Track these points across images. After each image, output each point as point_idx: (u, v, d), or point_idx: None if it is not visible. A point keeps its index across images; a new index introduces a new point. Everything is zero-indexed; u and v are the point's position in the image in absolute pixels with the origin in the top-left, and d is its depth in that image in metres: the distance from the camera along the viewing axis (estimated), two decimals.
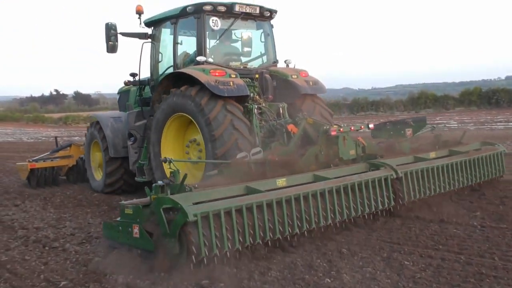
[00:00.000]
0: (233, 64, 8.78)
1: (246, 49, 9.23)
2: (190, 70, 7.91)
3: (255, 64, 9.20)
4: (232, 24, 8.68)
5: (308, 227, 5.54)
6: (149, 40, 9.34)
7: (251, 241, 5.04)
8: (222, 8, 8.44)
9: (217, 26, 8.49)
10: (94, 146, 10.46)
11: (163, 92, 8.40)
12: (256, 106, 7.99)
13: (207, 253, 4.65)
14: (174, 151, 8.32)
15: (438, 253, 5.23)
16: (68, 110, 69.89)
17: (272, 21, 9.36)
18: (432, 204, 7.19)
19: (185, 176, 5.10)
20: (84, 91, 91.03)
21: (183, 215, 4.60)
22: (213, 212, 4.77)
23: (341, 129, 7.11)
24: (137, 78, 9.65)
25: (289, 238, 5.47)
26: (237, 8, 8.54)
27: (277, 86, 8.90)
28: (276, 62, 9.38)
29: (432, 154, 7.53)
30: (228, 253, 4.82)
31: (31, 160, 11.56)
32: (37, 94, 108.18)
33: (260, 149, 7.10)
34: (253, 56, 9.26)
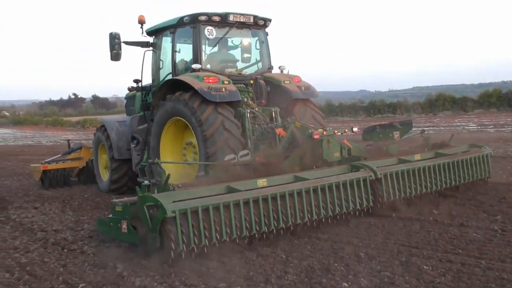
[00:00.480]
0: (229, 70, 9.20)
1: (241, 56, 9.67)
2: (185, 77, 8.35)
3: (250, 70, 9.58)
4: (227, 33, 9.12)
5: (284, 224, 5.87)
6: (151, 48, 9.78)
7: (228, 237, 5.41)
8: (217, 18, 8.88)
9: (212, 35, 8.93)
10: (101, 148, 10.91)
11: (162, 97, 8.78)
12: (249, 110, 8.36)
13: (184, 248, 5.07)
14: (172, 153, 8.74)
15: (458, 257, 5.15)
16: (86, 113, 70.68)
17: (267, 29, 9.72)
18: (452, 208, 7.10)
19: (168, 176, 5.51)
20: (101, 94, 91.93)
21: (162, 211, 5.04)
22: (191, 209, 5.17)
23: (324, 133, 7.45)
24: (140, 84, 10.10)
25: (264, 236, 5.80)
26: (231, 18, 8.98)
27: (270, 91, 9.30)
28: (271, 68, 9.77)
29: (417, 156, 7.73)
30: (206, 248, 5.22)
31: (43, 162, 12.11)
32: (56, 97, 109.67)
33: (248, 152, 7.53)
34: (248, 62, 9.68)
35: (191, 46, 8.98)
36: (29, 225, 7.70)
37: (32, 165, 12.68)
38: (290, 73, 9.74)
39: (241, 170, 6.90)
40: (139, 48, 9.79)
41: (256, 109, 8.73)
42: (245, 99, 8.70)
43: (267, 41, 9.72)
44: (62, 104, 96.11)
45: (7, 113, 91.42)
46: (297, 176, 6.47)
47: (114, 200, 5.90)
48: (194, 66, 8.65)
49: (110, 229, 5.78)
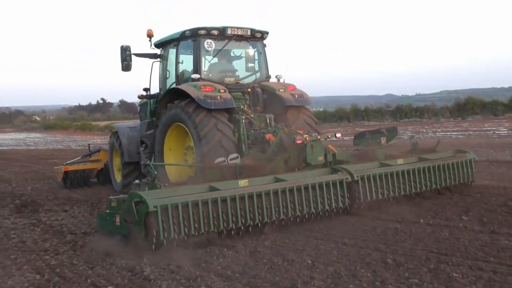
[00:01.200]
0: (228, 80, 10.06)
1: (240, 66, 10.53)
2: (184, 86, 9.17)
3: (248, 79, 10.39)
4: (225, 45, 9.93)
5: (260, 220, 6.49)
6: (159, 59, 10.65)
7: (206, 230, 6.08)
8: (215, 32, 9.73)
9: (212, 47, 9.81)
10: (115, 152, 11.81)
11: (165, 105, 9.61)
12: (244, 117, 9.06)
13: (165, 237, 5.77)
14: (175, 156, 9.51)
15: (489, 265, 5.01)
16: (113, 118, 71.88)
17: (265, 41, 10.49)
18: (483, 214, 6.94)
19: (155, 176, 6.32)
20: (129, 99, 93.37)
21: (145, 206, 5.77)
22: (172, 205, 5.85)
23: (307, 138, 8.00)
24: (149, 92, 10.84)
25: (242, 228, 6.37)
26: (229, 31, 9.81)
27: (266, 99, 10.02)
28: (268, 77, 10.50)
29: (400, 161, 8.28)
30: (186, 237, 5.88)
31: (65, 164, 13.20)
32: (84, 102, 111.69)
33: (238, 155, 8.12)
34: (246, 72, 10.51)
35: (192, 57, 9.81)
36: (59, 228, 7.86)
37: (55, 167, 13.65)
38: (286, 81, 10.42)
39: (228, 172, 7.50)
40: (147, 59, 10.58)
41: (251, 115, 9.48)
42: (241, 106, 9.37)
43: (265, 52, 10.50)
44: (91, 109, 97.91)
45: (38, 118, 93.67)
46: (277, 177, 7.04)
47: (111, 197, 6.60)
48: (194, 76, 9.48)
49: (107, 223, 6.44)
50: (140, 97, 11.25)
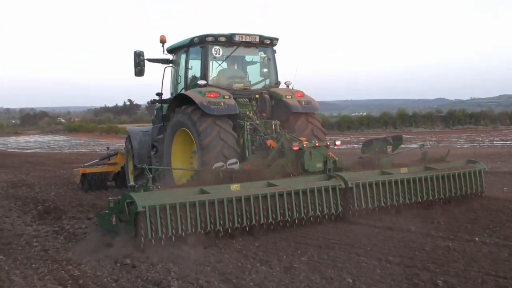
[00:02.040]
0: (236, 86, 10.83)
1: (249, 72, 11.36)
2: (190, 92, 10.04)
3: (257, 85, 11.17)
4: (233, 51, 10.71)
5: (248, 223, 7.16)
6: (171, 65, 11.57)
7: (193, 230, 6.80)
8: (223, 39, 10.55)
9: (219, 54, 10.64)
10: (129, 155, 12.67)
11: (173, 110, 10.42)
12: (248, 123, 9.79)
13: (153, 236, 6.54)
14: (182, 160, 10.30)
15: None
16: (141, 120, 73.07)
17: (275, 47, 11.25)
18: None
19: (148, 179, 7.20)
20: None
21: (135, 206, 6.56)
22: (160, 206, 6.63)
23: (305, 145, 8.59)
24: (161, 97, 11.61)
25: (230, 230, 7.08)
26: (237, 38, 10.59)
27: (274, 105, 10.70)
28: (278, 83, 11.21)
29: (404, 169, 8.78)
30: (173, 237, 6.63)
31: (83, 166, 14.16)
32: (111, 104, 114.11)
33: (237, 160, 8.82)
34: (255, 78, 11.29)
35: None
36: (82, 236, 8.00)
37: (74, 169, 14.60)
38: (301, 88, 11.01)
39: (224, 176, 8.19)
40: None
41: (257, 121, 10.09)
42: (247, 112, 10.16)
43: (274, 58, 11.23)
44: (117, 111, 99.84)
45: (63, 120, 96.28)
46: (270, 182, 7.70)
47: (110, 198, 7.37)
48: (200, 82, 10.31)
49: (105, 222, 7.28)
50: (153, 101, 12.01)
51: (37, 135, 69.54)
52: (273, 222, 7.38)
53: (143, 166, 7.65)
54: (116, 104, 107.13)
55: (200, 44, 10.62)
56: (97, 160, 14.75)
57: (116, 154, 14.36)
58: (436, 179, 8.77)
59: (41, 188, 14.28)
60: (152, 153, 11.40)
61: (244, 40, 10.68)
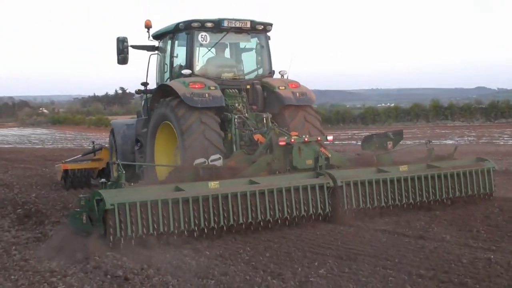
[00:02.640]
0: (226, 75, 11.26)
1: (239, 61, 11.76)
2: (173, 83, 10.44)
3: (249, 75, 11.57)
4: (221, 38, 11.13)
5: (226, 223, 7.68)
6: (156, 52, 12.01)
7: (165, 230, 7.31)
8: (210, 24, 10.88)
9: (206, 41, 11.00)
10: (114, 150, 13.11)
11: (157, 101, 10.79)
12: (237, 116, 10.25)
13: (122, 234, 7.08)
14: (166, 155, 10.79)
15: None
16: (134, 111, 73.17)
17: (269, 33, 11.64)
18: None
19: (120, 175, 7.79)
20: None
21: (103, 204, 7.09)
22: (130, 203, 7.14)
23: (292, 140, 8.99)
24: (148, 87, 11.96)
25: (206, 230, 7.60)
26: (225, 24, 10.92)
27: (266, 97, 11.04)
28: (272, 73, 11.59)
29: (403, 167, 9.14)
30: (144, 236, 7.17)
31: (64, 162, 14.60)
32: (100, 92, 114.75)
33: (220, 156, 9.17)
34: (246, 67, 11.72)
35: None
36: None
37: (56, 165, 15.02)
38: (289, 77, 11.46)
39: (204, 173, 8.63)
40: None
41: (246, 115, 10.51)
42: (236, 105, 10.60)
43: (268, 46, 11.59)
44: (108, 100, 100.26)
45: (45, 111, 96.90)
46: (252, 180, 8.14)
47: (81, 195, 7.99)
48: (184, 71, 10.70)
49: (76, 221, 7.82)
50: (138, 92, 12.34)
51: (16, 128, 70.05)
52: (253, 222, 7.88)
53: (116, 162, 8.26)
54: (107, 93, 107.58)
55: (186, 30, 10.98)
56: (80, 156, 15.23)
57: (101, 149, 14.71)
58: (438, 178, 9.13)
59: (20, 189, 14.36)
60: (136, 148, 11.83)
61: (233, 25, 11.03)
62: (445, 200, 9.23)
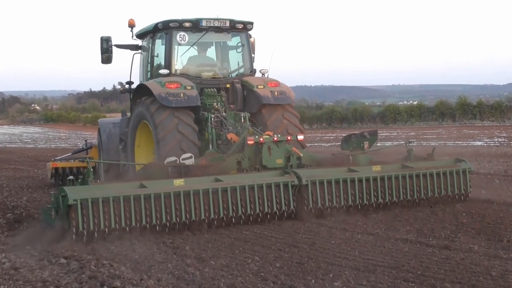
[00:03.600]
0: (205, 74, 12.19)
1: (219, 60, 12.72)
2: (149, 83, 11.49)
3: (229, 74, 12.52)
4: (200, 38, 12.03)
5: (188, 218, 8.65)
6: (140, 51, 12.98)
7: (127, 224, 8.31)
8: (188, 24, 11.81)
9: (185, 40, 11.95)
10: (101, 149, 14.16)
11: (135, 101, 11.79)
12: (213, 115, 11.17)
13: (85, 228, 8.10)
14: (146, 154, 11.62)
15: None
16: None
17: (251, 32, 12.51)
18: None
19: (88, 172, 8.91)
20: None
21: (66, 200, 8.11)
22: (93, 199, 8.17)
23: (261, 139, 9.91)
24: (133, 86, 13.03)
25: (168, 225, 8.56)
26: (204, 23, 11.85)
27: (246, 96, 11.92)
28: (253, 71, 12.49)
29: (376, 168, 9.92)
30: (106, 231, 8.19)
31: (53, 160, 15.50)
32: (97, 87, 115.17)
33: (191, 155, 9.86)
34: (227, 66, 12.69)
35: None
36: (60, 252, 8.04)
37: (47, 163, 15.89)
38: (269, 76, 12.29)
39: (173, 171, 9.52)
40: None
41: (224, 114, 11.37)
42: (214, 104, 11.45)
43: (249, 44, 12.44)
44: (105, 96, 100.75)
45: (37, 107, 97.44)
46: (217, 178, 9.08)
47: (52, 192, 8.94)
48: (162, 71, 11.66)
49: (47, 216, 8.79)
50: (122, 91, 13.75)
51: (5, 126, 70.49)
52: (216, 218, 8.84)
53: (85, 159, 9.50)
54: (104, 88, 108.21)
55: (164, 30, 11.97)
56: (70, 154, 16.27)
57: (91, 147, 15.75)
58: (409, 178, 9.94)
59: (10, 192, 14.46)
60: (120, 147, 12.63)
61: (212, 25, 11.96)
62: (417, 200, 9.99)
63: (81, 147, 16.21)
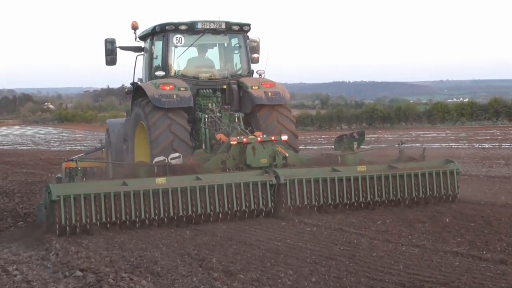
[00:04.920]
0: (202, 75, 13.64)
1: (216, 61, 14.21)
2: (144, 84, 13.07)
3: (225, 75, 13.87)
4: (196, 40, 13.51)
5: (166, 215, 9.98)
6: (142, 52, 14.49)
7: (107, 220, 9.71)
8: (184, 27, 13.32)
9: (181, 43, 13.40)
10: (110, 150, 15.38)
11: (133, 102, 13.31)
12: (207, 116, 12.54)
13: (68, 223, 9.49)
14: (144, 154, 12.56)
15: None
16: None
17: (249, 33, 13.93)
18: None
19: (76, 170, 10.38)
20: None
21: (50, 195, 9.51)
22: (75, 195, 9.54)
23: (244, 139, 11.03)
24: (133, 87, 14.24)
25: (146, 222, 9.97)
26: (199, 26, 13.34)
27: (241, 97, 13.25)
28: (250, 72, 13.85)
29: (361, 168, 11.02)
30: (88, 225, 9.62)
31: (66, 160, 15.48)
32: (116, 84, 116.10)
33: (179, 155, 11.22)
34: (223, 67, 14.13)
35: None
36: (76, 264, 8.12)
37: (63, 163, 16.28)
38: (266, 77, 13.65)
39: (158, 170, 10.83)
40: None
41: (218, 114, 12.70)
42: (209, 104, 12.85)
43: (246, 46, 13.81)
44: (124, 94, 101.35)
45: (51, 106, 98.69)
46: (198, 176, 10.33)
47: (44, 189, 10.06)
48: (158, 73, 13.10)
49: (39, 213, 10.39)
50: (127, 92, 15.12)
51: (17, 126, 71.49)
52: (194, 215, 10.11)
53: (74, 159, 11.04)
54: (123, 85, 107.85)
55: (162, 33, 13.41)
56: (82, 154, 17.34)
57: (103, 148, 16.65)
58: (393, 178, 10.97)
59: (22, 198, 14.65)
60: (124, 147, 13.94)
61: (208, 27, 13.36)
62: (401, 200, 11.03)
63: (94, 147, 17.52)
